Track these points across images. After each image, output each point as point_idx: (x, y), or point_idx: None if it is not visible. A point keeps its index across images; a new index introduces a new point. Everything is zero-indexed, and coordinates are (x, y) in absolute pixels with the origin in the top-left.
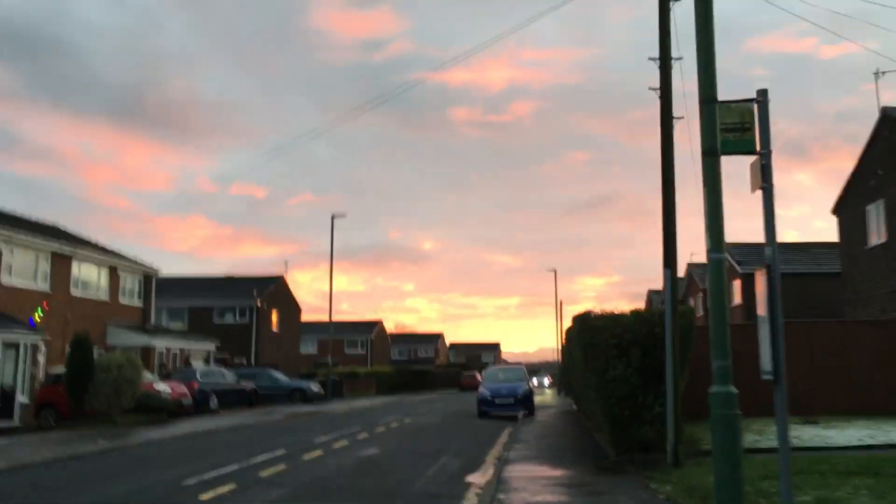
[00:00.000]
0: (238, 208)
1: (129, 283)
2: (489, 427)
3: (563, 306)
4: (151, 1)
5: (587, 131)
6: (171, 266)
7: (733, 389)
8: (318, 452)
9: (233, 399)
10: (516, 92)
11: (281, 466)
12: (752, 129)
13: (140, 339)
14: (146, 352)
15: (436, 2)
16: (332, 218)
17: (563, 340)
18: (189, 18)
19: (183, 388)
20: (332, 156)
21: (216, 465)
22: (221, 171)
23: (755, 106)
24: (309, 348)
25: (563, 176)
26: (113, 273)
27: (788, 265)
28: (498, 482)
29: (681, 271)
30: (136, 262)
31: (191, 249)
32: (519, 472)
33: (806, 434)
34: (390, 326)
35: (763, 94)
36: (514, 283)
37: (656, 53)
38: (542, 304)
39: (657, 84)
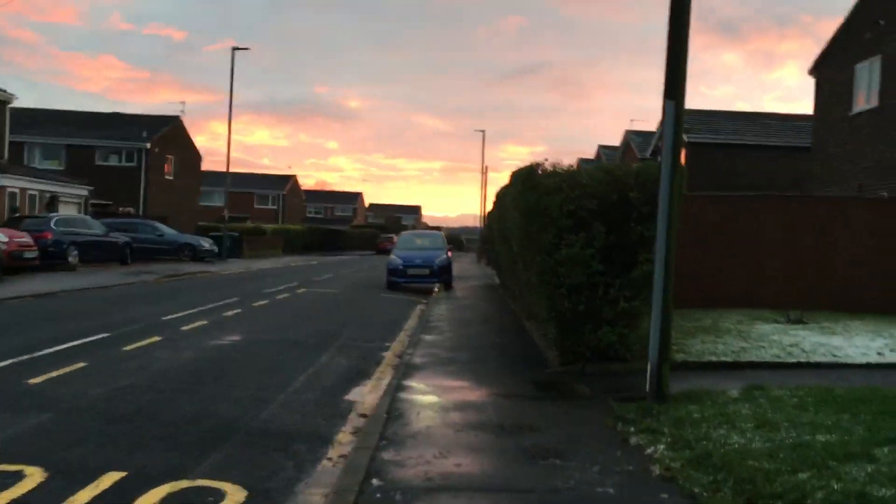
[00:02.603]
0: (154, 51)
1: None
2: (397, 304)
3: (488, 172)
4: None
5: None
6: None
7: None
8: (152, 339)
9: (100, 254)
10: None
11: (76, 365)
12: None
13: None
14: None
15: None
16: (233, 51)
17: (492, 204)
18: None
19: (25, 238)
20: (256, 1)
21: None
22: (136, 9)
23: None
24: (215, 201)
25: (495, 40)
26: None
27: (737, 135)
28: (388, 414)
29: (615, 138)
30: None
31: (101, 91)
32: (424, 391)
33: (805, 341)
34: (310, 184)
35: None
36: (439, 147)
37: None
38: (466, 170)
39: None
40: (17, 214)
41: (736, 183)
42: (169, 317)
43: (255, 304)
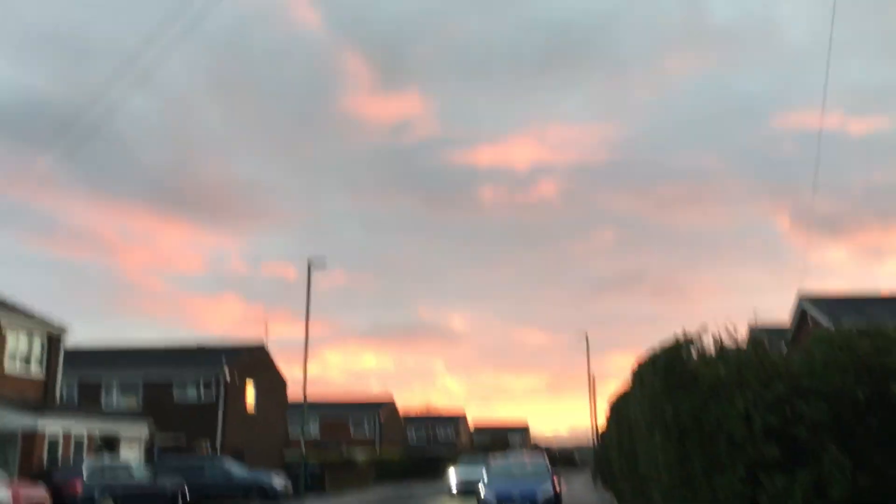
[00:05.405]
0: (269, 288)
1: (23, 344)
2: None
3: (595, 383)
4: (187, 86)
5: (614, 209)
6: None
7: None
8: None
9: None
10: (541, 171)
11: None
12: None
13: (22, 421)
14: (28, 439)
15: (462, 83)
16: (309, 265)
17: (605, 417)
18: (224, 103)
19: (38, 492)
20: (362, 235)
21: None
22: (253, 252)
23: None
24: (309, 431)
25: (590, 253)
26: None
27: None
28: None
29: (781, 310)
30: (34, 317)
31: (223, 329)
32: None
33: None
34: (417, 406)
35: None
36: (544, 361)
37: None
38: (572, 380)
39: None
40: (54, 465)
41: None
42: None
43: None
